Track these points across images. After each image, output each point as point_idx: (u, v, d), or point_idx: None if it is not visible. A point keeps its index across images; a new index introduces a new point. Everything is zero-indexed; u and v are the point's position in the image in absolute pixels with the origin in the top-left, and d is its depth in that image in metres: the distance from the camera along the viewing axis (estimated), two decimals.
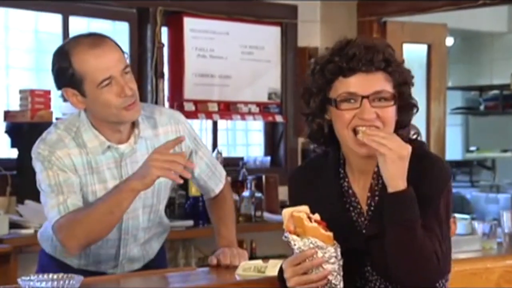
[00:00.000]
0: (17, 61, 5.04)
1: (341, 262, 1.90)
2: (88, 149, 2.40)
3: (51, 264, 2.49)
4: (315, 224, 1.88)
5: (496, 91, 8.51)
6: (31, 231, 4.20)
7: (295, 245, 1.89)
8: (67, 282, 1.99)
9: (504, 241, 3.06)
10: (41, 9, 5.01)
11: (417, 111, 2.03)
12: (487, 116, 8.62)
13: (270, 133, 6.07)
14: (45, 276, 2.01)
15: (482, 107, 8.64)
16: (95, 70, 2.31)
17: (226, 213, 2.67)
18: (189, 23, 5.45)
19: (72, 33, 5.08)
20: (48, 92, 4.66)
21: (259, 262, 2.35)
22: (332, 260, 1.88)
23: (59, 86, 2.40)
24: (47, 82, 5.02)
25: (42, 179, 2.37)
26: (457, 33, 8.11)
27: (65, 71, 2.34)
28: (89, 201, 2.39)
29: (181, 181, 2.27)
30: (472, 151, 8.54)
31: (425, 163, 1.95)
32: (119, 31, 5.24)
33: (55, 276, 2.01)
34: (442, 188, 1.94)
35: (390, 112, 1.94)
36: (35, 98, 4.57)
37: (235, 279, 2.34)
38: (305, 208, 1.91)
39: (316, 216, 1.90)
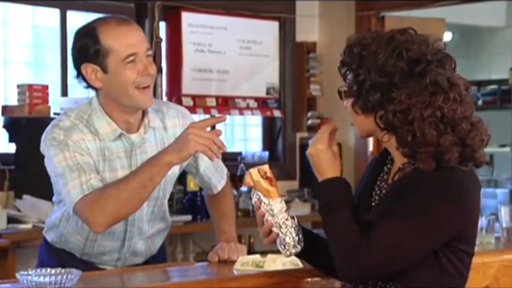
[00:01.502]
0: (15, 56, 5.03)
1: (283, 216, 2.03)
2: (100, 136, 2.40)
3: (52, 260, 2.49)
4: (260, 179, 2.05)
5: (494, 86, 8.51)
6: (29, 226, 4.21)
7: (252, 198, 2.09)
8: (65, 276, 1.99)
9: (502, 236, 3.07)
10: (38, 4, 5.00)
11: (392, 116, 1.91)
12: (485, 111, 8.60)
13: (268, 128, 6.07)
14: (43, 270, 2.01)
15: (480, 102, 8.63)
16: (122, 45, 2.35)
17: (227, 210, 2.67)
18: (187, 18, 5.44)
19: (70, 27, 5.08)
20: (46, 87, 4.66)
21: (257, 256, 2.35)
22: (274, 212, 2.04)
23: (79, 63, 2.40)
24: (45, 76, 5.03)
25: (58, 161, 2.34)
26: (455, 28, 8.11)
27: (89, 47, 2.36)
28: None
29: (216, 159, 2.35)
30: None
31: (427, 174, 1.91)
32: None
33: (53, 271, 2.01)
34: (425, 203, 1.88)
35: (347, 105, 2.02)
36: (33, 93, 4.57)
37: (233, 274, 2.34)
38: (265, 166, 2.09)
39: (268, 173, 2.07)
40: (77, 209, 2.31)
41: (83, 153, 2.36)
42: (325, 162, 2.01)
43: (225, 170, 2.70)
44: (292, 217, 2.06)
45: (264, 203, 2.06)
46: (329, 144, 2.01)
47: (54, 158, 2.35)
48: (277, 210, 2.05)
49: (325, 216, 1.98)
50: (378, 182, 2.06)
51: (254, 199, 2.08)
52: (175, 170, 2.52)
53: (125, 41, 2.36)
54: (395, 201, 1.91)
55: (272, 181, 2.07)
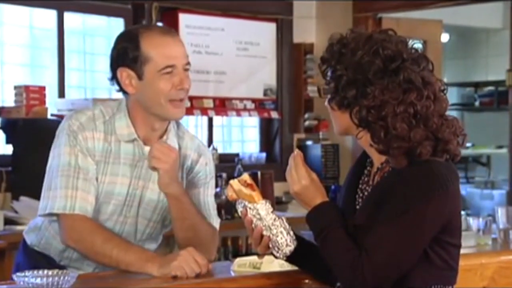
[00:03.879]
0: (12, 57, 5.03)
1: (271, 217, 2.05)
2: (115, 137, 2.40)
3: (27, 263, 2.48)
4: (241, 187, 2.07)
5: (491, 87, 8.52)
6: (26, 227, 4.19)
7: (237, 209, 2.10)
8: (62, 278, 1.99)
9: (499, 237, 3.07)
10: (36, 5, 5.00)
11: (366, 113, 1.94)
12: (482, 112, 8.63)
13: (266, 129, 6.07)
14: (40, 272, 2.01)
15: (477, 103, 8.65)
16: (162, 56, 2.34)
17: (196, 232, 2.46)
18: (184, 19, 5.44)
19: (67, 29, 5.08)
20: (43, 88, 4.66)
21: (254, 258, 2.34)
22: (261, 215, 2.05)
23: (116, 66, 2.39)
24: (42, 78, 5.02)
25: (63, 153, 2.37)
26: (453, 30, 8.13)
27: (129, 51, 2.35)
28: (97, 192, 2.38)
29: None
30: (467, 147, 8.55)
31: (407, 171, 1.93)
32: (114, 27, 5.23)
33: (50, 272, 2.01)
34: (411, 201, 1.89)
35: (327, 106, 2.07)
36: (30, 94, 4.57)
37: (230, 275, 2.34)
38: (244, 176, 2.10)
39: (248, 181, 2.09)
40: (60, 218, 2.37)
41: (87, 153, 2.37)
42: (313, 194, 2.02)
43: (217, 221, 2.59)
44: (280, 218, 2.07)
45: (250, 208, 2.07)
46: (310, 176, 2.03)
47: (63, 146, 2.38)
48: (264, 213, 2.06)
49: (322, 242, 1.99)
50: (360, 185, 2.08)
51: (240, 208, 2.09)
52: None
53: (165, 51, 2.35)
54: (380, 203, 1.93)
55: (254, 187, 2.09)
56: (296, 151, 2.07)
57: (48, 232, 2.47)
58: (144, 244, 2.51)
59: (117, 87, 2.42)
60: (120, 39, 2.42)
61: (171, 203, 2.39)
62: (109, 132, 2.40)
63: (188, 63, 2.40)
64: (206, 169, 2.54)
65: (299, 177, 2.02)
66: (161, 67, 2.34)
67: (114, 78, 2.41)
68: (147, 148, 2.41)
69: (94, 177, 2.37)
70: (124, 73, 2.37)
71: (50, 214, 2.38)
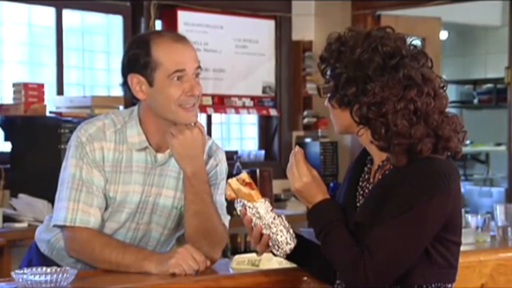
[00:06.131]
0: (10, 55, 5.03)
1: (270, 215, 2.05)
2: (127, 145, 2.39)
3: (39, 262, 2.47)
4: (240, 186, 2.06)
5: (489, 85, 8.53)
6: (24, 224, 4.21)
7: (236, 208, 2.10)
8: (61, 275, 1.99)
9: (497, 234, 3.07)
10: (34, 2, 5.00)
11: (366, 110, 1.94)
12: (481, 109, 8.63)
13: (264, 127, 6.07)
14: (39, 269, 2.01)
15: (476, 101, 8.65)
16: (172, 61, 2.34)
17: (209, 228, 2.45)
18: (183, 16, 5.44)
19: (66, 26, 5.08)
20: (41, 86, 4.65)
21: (253, 255, 2.35)
22: (260, 214, 2.05)
23: (127, 72, 2.38)
24: (41, 75, 5.02)
25: (70, 165, 2.38)
26: (451, 27, 8.13)
27: (139, 58, 2.35)
28: (108, 200, 2.38)
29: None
30: (466, 145, 8.52)
31: (408, 169, 1.93)
32: (112, 25, 5.23)
33: (48, 270, 2.01)
34: (413, 199, 1.89)
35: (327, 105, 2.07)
36: (28, 92, 4.57)
37: (229, 272, 2.34)
38: (243, 174, 2.09)
39: (247, 179, 2.08)
40: (64, 230, 2.38)
41: (93, 165, 2.36)
42: (314, 191, 2.02)
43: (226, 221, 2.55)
44: (280, 216, 2.07)
45: (249, 207, 2.06)
46: (311, 173, 2.03)
47: (70, 159, 2.39)
48: (263, 211, 2.05)
49: (323, 240, 1.99)
50: (360, 183, 2.08)
51: (239, 207, 2.09)
52: None
53: (177, 57, 2.34)
54: (381, 201, 1.92)
55: (252, 186, 2.08)
56: (297, 148, 2.06)
57: (58, 245, 2.48)
58: (160, 251, 2.50)
59: (128, 94, 2.41)
60: (131, 45, 2.41)
61: (184, 182, 2.39)
62: (120, 141, 2.39)
63: (199, 68, 2.39)
64: (216, 169, 2.54)
65: (300, 174, 2.02)
66: (170, 72, 2.33)
67: (125, 84, 2.40)
68: (159, 155, 2.41)
69: (100, 189, 2.37)
70: (135, 79, 2.36)
71: (56, 226, 2.39)
